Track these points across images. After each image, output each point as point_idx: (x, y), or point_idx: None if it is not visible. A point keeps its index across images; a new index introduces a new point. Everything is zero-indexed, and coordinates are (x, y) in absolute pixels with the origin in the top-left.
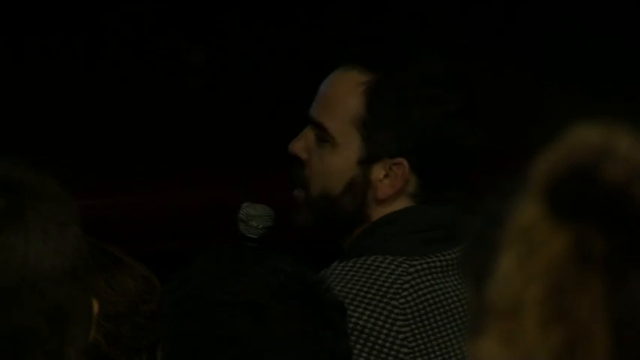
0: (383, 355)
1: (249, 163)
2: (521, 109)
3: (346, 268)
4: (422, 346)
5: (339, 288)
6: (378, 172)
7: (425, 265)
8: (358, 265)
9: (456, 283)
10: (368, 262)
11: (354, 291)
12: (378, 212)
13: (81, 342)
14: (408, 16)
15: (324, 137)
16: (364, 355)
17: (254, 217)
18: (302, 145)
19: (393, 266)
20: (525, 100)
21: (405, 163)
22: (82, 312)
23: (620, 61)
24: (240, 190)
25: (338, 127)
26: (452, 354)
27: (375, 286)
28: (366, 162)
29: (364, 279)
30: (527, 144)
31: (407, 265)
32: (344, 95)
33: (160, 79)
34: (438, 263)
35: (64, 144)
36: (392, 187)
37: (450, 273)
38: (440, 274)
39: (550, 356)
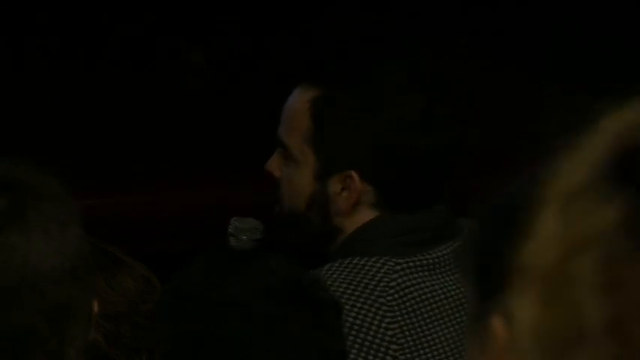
0: (373, 352)
1: (249, 163)
2: (521, 109)
3: (333, 268)
4: (411, 343)
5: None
6: (334, 186)
7: (411, 264)
8: (344, 265)
9: (443, 281)
10: (354, 261)
11: (340, 289)
12: (345, 223)
13: (81, 342)
14: (408, 16)
15: (287, 156)
16: (355, 350)
17: (243, 230)
18: (274, 164)
19: (378, 264)
20: (525, 100)
21: (354, 174)
22: (82, 312)
23: (620, 61)
24: (240, 190)
25: (296, 145)
26: (441, 350)
27: (362, 284)
28: (321, 177)
29: (351, 277)
30: (527, 144)
31: (392, 264)
32: (295, 114)
33: (160, 79)
34: (424, 262)
35: (64, 144)
36: (348, 199)
37: (438, 271)
38: (426, 272)
39: (600, 326)
